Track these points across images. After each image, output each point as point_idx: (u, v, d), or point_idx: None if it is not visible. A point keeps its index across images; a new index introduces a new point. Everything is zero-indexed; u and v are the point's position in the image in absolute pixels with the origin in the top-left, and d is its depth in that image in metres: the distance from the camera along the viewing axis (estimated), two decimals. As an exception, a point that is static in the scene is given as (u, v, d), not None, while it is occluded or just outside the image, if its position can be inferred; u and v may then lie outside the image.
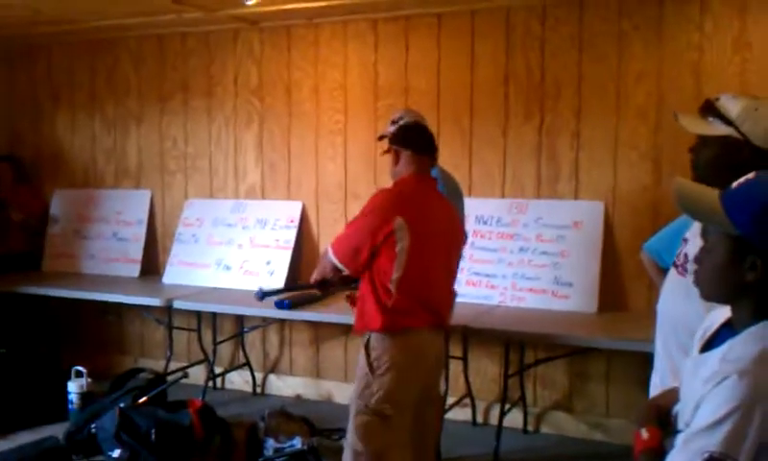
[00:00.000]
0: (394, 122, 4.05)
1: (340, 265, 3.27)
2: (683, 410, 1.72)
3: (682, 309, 2.41)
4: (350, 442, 3.21)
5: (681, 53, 4.57)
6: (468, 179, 5.12)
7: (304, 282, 3.95)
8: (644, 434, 1.76)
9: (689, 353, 1.94)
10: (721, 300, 1.75)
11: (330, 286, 3.53)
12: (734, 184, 1.67)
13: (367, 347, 3.19)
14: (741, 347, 1.62)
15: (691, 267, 2.37)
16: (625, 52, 4.70)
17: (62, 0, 4.93)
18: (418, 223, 3.17)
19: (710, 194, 1.68)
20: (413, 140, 3.41)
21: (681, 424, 1.71)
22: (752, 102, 2.41)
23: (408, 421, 3.26)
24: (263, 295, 3.87)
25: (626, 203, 4.72)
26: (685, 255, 2.49)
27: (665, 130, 4.56)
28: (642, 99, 4.67)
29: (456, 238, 3.51)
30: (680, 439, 1.64)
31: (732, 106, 2.41)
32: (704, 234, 1.83)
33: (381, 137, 4.01)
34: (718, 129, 2.41)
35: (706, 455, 1.54)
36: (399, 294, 3.14)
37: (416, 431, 3.32)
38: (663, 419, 1.82)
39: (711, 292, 1.75)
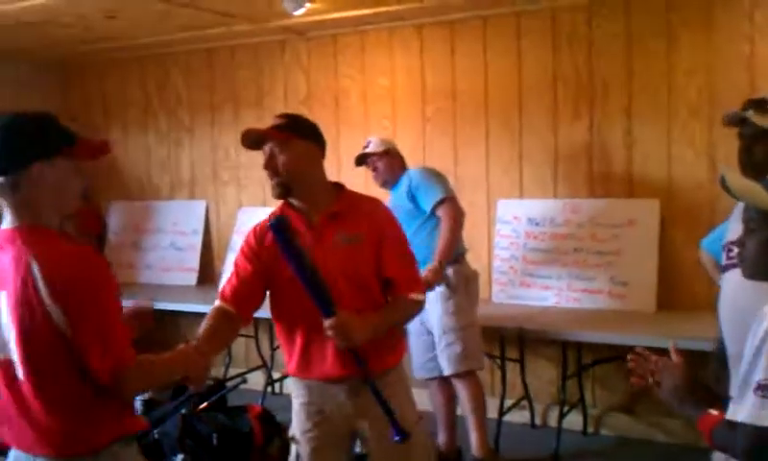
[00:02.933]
0: (365, 147, 4.55)
1: (424, 298, 2.84)
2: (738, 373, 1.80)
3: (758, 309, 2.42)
4: None
5: (731, 45, 4.51)
6: (519, 180, 5.12)
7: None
8: (713, 412, 1.84)
9: None
10: (764, 276, 1.86)
11: None
12: None
13: (401, 375, 2.81)
14: None
15: None
16: (674, 47, 4.66)
17: (113, 18, 5.05)
18: None
19: (755, 184, 1.81)
20: (322, 139, 2.84)
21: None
22: None
23: None
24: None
25: (681, 200, 4.68)
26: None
27: (719, 125, 4.42)
28: (694, 94, 4.62)
29: None
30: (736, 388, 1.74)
31: None
32: (746, 219, 1.88)
33: (360, 163, 4.58)
34: None
35: (754, 385, 1.67)
36: None
37: None
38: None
39: (756, 270, 1.86)
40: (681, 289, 4.65)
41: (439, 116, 5.36)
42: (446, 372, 4.23)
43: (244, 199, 6.18)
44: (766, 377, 1.66)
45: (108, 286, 2.06)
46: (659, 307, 4.60)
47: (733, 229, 2.64)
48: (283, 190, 2.68)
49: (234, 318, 2.73)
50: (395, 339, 2.79)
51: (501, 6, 5.00)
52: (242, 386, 5.17)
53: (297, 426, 2.82)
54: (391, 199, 4.46)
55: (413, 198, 4.29)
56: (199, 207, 6.35)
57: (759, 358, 1.69)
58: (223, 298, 2.74)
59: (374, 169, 4.50)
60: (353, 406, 2.69)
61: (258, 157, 6.37)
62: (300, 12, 4.78)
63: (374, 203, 2.82)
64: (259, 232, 2.77)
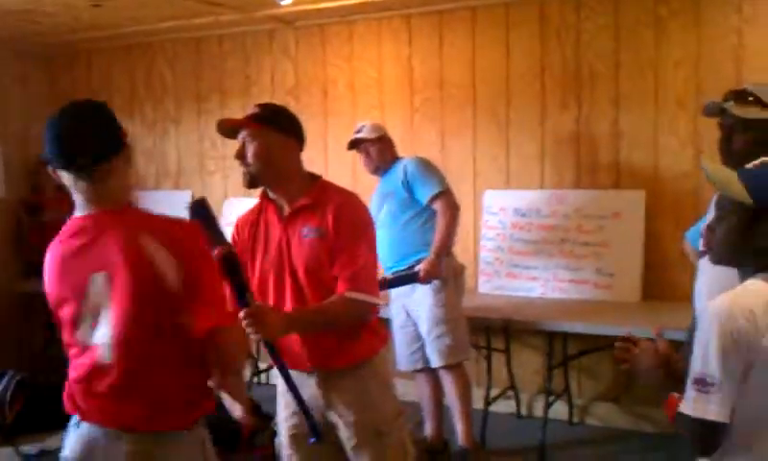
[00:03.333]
0: (357, 131, 4.48)
1: (374, 300, 2.66)
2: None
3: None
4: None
5: (720, 37, 4.52)
6: (506, 170, 5.12)
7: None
8: (677, 396, 1.88)
9: None
10: (731, 263, 1.92)
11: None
12: (751, 165, 1.91)
13: (376, 368, 2.72)
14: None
15: None
16: (662, 38, 4.66)
17: (99, 6, 5.01)
18: None
19: (731, 172, 1.87)
20: (298, 129, 2.78)
21: None
22: None
23: None
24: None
25: (668, 191, 4.69)
26: None
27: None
28: (681, 85, 4.63)
29: None
30: None
31: (762, 91, 2.60)
32: (719, 207, 1.93)
33: (352, 146, 4.51)
34: (760, 112, 2.58)
35: (692, 378, 1.77)
36: None
37: None
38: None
39: (723, 256, 1.92)
40: (666, 280, 4.66)
41: (426, 106, 5.35)
42: (435, 364, 4.23)
43: (230, 189, 6.15)
44: (701, 371, 1.75)
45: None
46: (644, 298, 4.62)
47: (711, 215, 2.69)
48: (251, 179, 2.67)
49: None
50: (362, 333, 2.67)
51: (490, -5, 5.01)
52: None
53: (278, 414, 2.82)
54: (380, 185, 4.45)
55: (409, 188, 4.26)
56: (184, 198, 6.30)
57: (698, 352, 1.77)
58: None
59: (366, 154, 4.46)
60: (324, 397, 2.65)
61: (244, 148, 6.34)
62: (288, 1, 4.78)
63: (345, 197, 2.69)
64: (239, 225, 2.82)
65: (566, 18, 4.91)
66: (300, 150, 2.73)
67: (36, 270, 6.53)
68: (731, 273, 2.26)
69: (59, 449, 4.38)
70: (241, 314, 2.39)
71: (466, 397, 4.28)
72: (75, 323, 2.14)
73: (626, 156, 4.80)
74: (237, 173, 6.02)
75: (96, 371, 2.12)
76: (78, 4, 4.97)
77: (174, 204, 6.19)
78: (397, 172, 4.33)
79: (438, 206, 4.19)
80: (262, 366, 5.91)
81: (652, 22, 4.68)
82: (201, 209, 2.48)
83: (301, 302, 2.60)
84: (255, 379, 5.80)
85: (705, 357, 1.75)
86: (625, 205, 4.75)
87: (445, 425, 4.45)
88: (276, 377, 5.85)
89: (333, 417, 2.67)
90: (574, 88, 4.92)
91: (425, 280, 4.12)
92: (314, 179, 2.74)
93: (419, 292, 4.20)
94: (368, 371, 2.69)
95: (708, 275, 2.69)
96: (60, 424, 5.19)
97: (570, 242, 4.85)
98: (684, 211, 4.48)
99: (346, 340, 2.64)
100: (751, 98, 2.65)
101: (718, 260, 1.96)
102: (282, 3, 4.80)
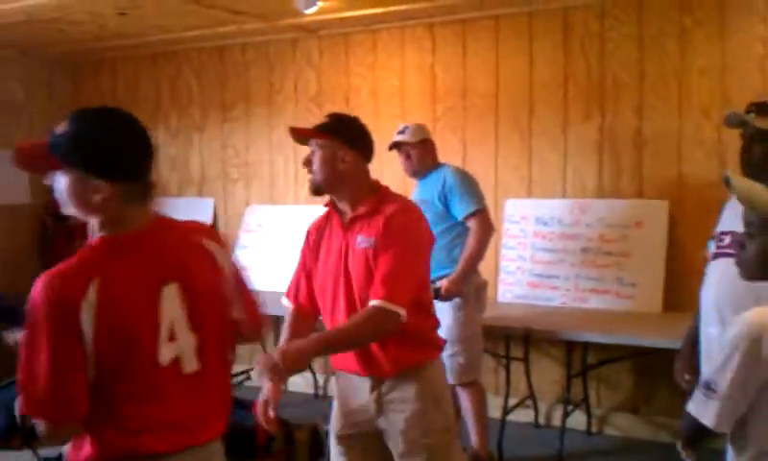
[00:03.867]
0: (400, 132, 4.37)
1: (400, 314, 2.52)
2: None
3: (750, 295, 2.43)
4: None
5: (745, 46, 4.49)
6: (529, 179, 5.11)
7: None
8: None
9: None
10: (765, 278, 1.95)
11: None
12: None
13: (428, 379, 2.68)
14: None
15: None
16: (687, 48, 4.64)
17: (125, 15, 5.07)
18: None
19: (761, 188, 1.91)
20: (357, 138, 2.76)
21: None
22: None
23: None
24: None
25: (692, 201, 4.64)
26: None
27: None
28: (706, 95, 4.60)
29: None
30: None
31: None
32: (746, 222, 1.96)
33: (392, 147, 4.35)
34: None
35: (702, 381, 1.85)
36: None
37: None
38: None
39: (755, 273, 1.96)
40: (688, 291, 4.56)
41: (449, 115, 5.35)
42: (449, 382, 4.17)
43: (252, 197, 6.19)
44: (711, 376, 1.82)
45: None
46: (665, 308, 4.57)
47: (728, 219, 2.72)
48: (315, 187, 2.70)
49: (308, 315, 2.84)
50: (412, 340, 2.62)
51: (513, 5, 5.00)
52: (246, 383, 5.18)
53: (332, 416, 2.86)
54: (417, 191, 4.35)
55: (445, 200, 4.16)
56: (207, 205, 6.36)
57: (718, 357, 1.82)
58: (291, 299, 2.89)
59: (407, 157, 4.33)
60: (376, 403, 2.65)
61: (266, 156, 6.42)
62: (312, 10, 4.79)
63: (399, 207, 2.65)
64: (309, 231, 2.85)
65: (590, 27, 4.89)
66: (367, 160, 2.74)
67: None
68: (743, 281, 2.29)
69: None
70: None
71: (480, 412, 4.24)
72: (152, 343, 1.90)
73: (649, 165, 4.77)
74: (259, 181, 6.16)
75: (176, 386, 1.95)
76: (104, 12, 5.03)
77: (197, 211, 6.31)
78: (436, 180, 4.23)
79: (472, 224, 4.11)
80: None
81: (676, 32, 4.66)
82: None
83: (353, 310, 2.59)
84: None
85: (722, 366, 1.80)
86: (648, 214, 4.71)
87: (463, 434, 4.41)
88: (293, 385, 5.84)
89: (383, 423, 2.66)
90: (598, 98, 4.90)
91: (446, 298, 4.03)
92: (377, 188, 2.73)
93: (440, 308, 4.05)
94: (419, 379, 2.64)
95: (723, 275, 2.71)
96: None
97: (592, 252, 4.82)
98: (708, 221, 4.35)
99: (393, 347, 2.59)
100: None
101: (750, 277, 1.98)
102: (306, 12, 4.82)
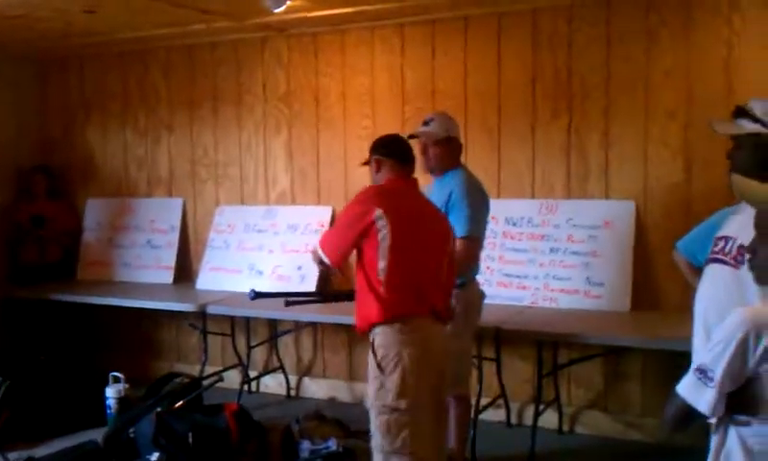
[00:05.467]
0: (425, 123, 4.13)
1: (324, 256, 3.35)
2: None
3: (737, 300, 2.51)
4: (378, 444, 3.24)
5: (709, 48, 4.55)
6: (497, 180, 5.14)
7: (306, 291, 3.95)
8: None
9: None
10: None
11: (330, 296, 3.70)
12: None
13: (373, 347, 3.23)
14: None
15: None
16: (653, 49, 4.69)
17: (92, 13, 5.01)
18: (398, 214, 3.22)
19: (754, 183, 1.98)
20: (395, 151, 3.47)
21: None
22: None
23: (429, 415, 3.28)
24: (255, 295, 3.79)
25: (657, 201, 4.71)
26: (740, 248, 2.61)
27: (696, 126, 4.54)
28: (671, 96, 4.65)
29: (443, 236, 3.46)
30: None
31: (757, 106, 2.66)
32: (758, 225, 1.99)
33: (412, 136, 4.02)
34: (746, 127, 2.64)
35: (695, 365, 1.89)
36: (389, 281, 3.18)
37: (434, 429, 3.36)
38: None
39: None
40: (655, 290, 4.69)
41: (418, 116, 5.27)
42: None
43: (222, 197, 6.16)
44: (707, 364, 1.85)
45: None
46: (633, 307, 4.63)
47: (733, 225, 2.70)
48: None
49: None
50: (362, 303, 3.30)
51: (483, 6, 5.02)
52: (218, 385, 5.17)
53: None
54: (432, 188, 4.10)
55: (447, 212, 3.89)
56: (176, 205, 6.31)
57: (713, 346, 1.86)
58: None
59: (423, 152, 4.06)
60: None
61: (235, 155, 6.38)
62: (281, 9, 4.77)
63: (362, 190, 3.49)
64: None
65: (558, 28, 4.93)
66: (402, 163, 3.45)
67: (26, 277, 6.54)
68: (744, 285, 2.37)
69: (47, 457, 4.38)
70: None
71: (464, 423, 4.21)
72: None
73: (616, 166, 4.82)
74: (229, 181, 6.14)
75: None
76: (71, 10, 4.96)
77: (166, 211, 6.27)
78: (447, 187, 3.99)
79: (459, 245, 3.78)
80: (252, 374, 5.91)
81: (643, 32, 4.71)
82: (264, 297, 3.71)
83: None
84: (245, 387, 5.79)
85: (718, 353, 1.84)
86: (615, 214, 4.77)
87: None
88: (265, 387, 5.83)
89: None
90: (565, 98, 4.94)
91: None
92: (389, 178, 3.46)
93: None
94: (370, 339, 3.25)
95: (720, 279, 2.72)
96: (49, 431, 5.17)
97: (561, 251, 4.86)
98: (674, 222, 4.50)
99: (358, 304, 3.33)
100: (744, 112, 2.71)
101: (765, 281, 2.01)
102: (275, 11, 4.80)
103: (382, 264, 3.18)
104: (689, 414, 1.89)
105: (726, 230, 2.75)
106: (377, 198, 3.29)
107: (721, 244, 2.73)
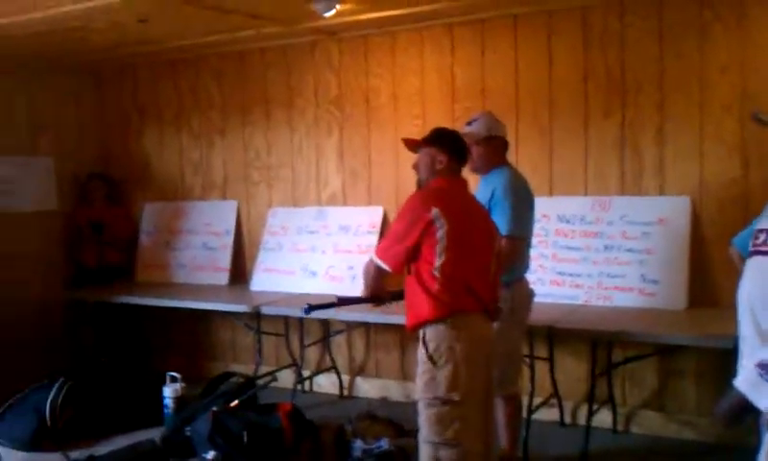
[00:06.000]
0: (468, 123, 4.14)
1: (383, 265, 3.35)
2: None
3: None
4: (426, 436, 3.28)
5: (764, 43, 4.46)
6: (549, 177, 5.11)
7: (358, 296, 3.77)
8: None
9: None
10: None
11: (383, 300, 3.60)
12: None
13: (424, 341, 3.26)
14: None
15: None
16: (707, 44, 4.61)
17: (145, 22, 5.12)
18: (454, 211, 3.27)
19: None
20: (453, 147, 3.45)
21: None
22: None
23: (478, 409, 3.32)
24: (309, 309, 3.86)
25: (714, 197, 4.63)
26: None
27: (752, 122, 4.44)
28: (727, 91, 4.57)
29: (490, 235, 3.50)
30: None
31: None
32: None
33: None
34: None
35: (758, 361, 1.88)
36: (444, 278, 3.22)
37: (483, 422, 3.38)
38: None
39: None
40: (712, 287, 4.60)
41: (468, 115, 5.29)
42: None
43: (274, 199, 6.24)
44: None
45: None
46: (689, 305, 4.56)
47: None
48: (418, 184, 3.51)
49: None
50: (416, 300, 3.30)
51: (532, 4, 4.99)
52: (272, 384, 5.22)
53: None
54: (479, 187, 4.08)
55: (490, 211, 3.86)
56: (230, 208, 6.42)
57: None
58: None
59: (468, 151, 3.97)
60: None
61: (287, 158, 6.45)
62: (331, 13, 4.81)
63: (413, 195, 3.43)
64: None
65: (609, 25, 4.88)
66: (459, 162, 3.46)
67: (86, 280, 6.72)
68: None
69: (106, 456, 4.49)
70: None
71: (514, 423, 4.20)
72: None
73: (671, 162, 4.76)
74: (281, 183, 6.21)
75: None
76: (125, 21, 5.08)
77: (221, 213, 6.37)
78: (491, 185, 3.97)
79: (502, 244, 3.75)
80: (306, 373, 5.96)
81: (696, 27, 4.63)
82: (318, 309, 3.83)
83: None
84: (299, 387, 5.85)
85: None
86: (670, 211, 4.70)
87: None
88: (318, 386, 5.88)
89: None
90: (618, 95, 4.89)
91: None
92: (439, 178, 3.42)
93: None
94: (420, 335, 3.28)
95: (753, 276, 2.70)
96: (108, 430, 5.29)
97: (615, 249, 4.81)
98: (730, 218, 4.42)
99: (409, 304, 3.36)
100: None
101: None
102: (325, 15, 4.84)
103: (438, 262, 3.22)
104: (745, 409, 1.85)
105: (764, 223, 2.70)
106: (433, 198, 3.31)
107: (762, 237, 2.69)
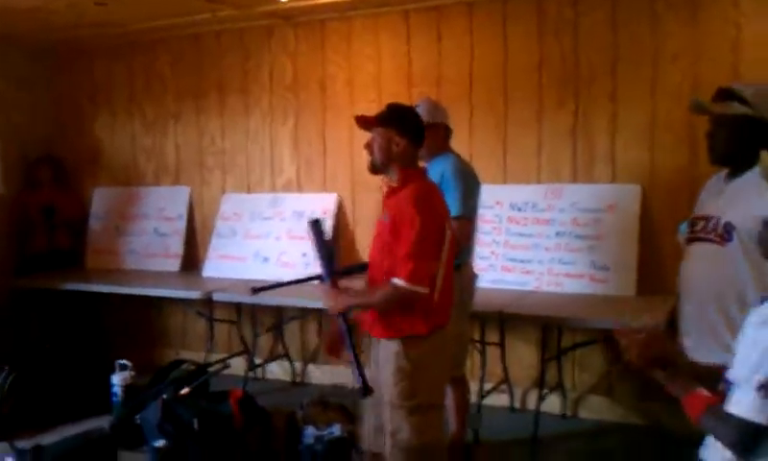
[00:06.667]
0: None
1: (421, 289, 3.00)
2: (740, 361, 1.87)
3: (727, 276, 2.66)
4: (408, 441, 3.13)
5: (717, 30, 4.51)
6: (504, 165, 5.12)
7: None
8: (705, 392, 1.90)
9: (730, 315, 2.45)
10: None
11: (335, 273, 3.40)
12: None
13: (404, 353, 3.09)
14: None
15: (736, 235, 2.66)
16: (659, 32, 4.66)
17: (103, 4, 5.04)
18: (446, 216, 3.25)
19: None
20: (413, 129, 3.16)
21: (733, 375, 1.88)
22: (761, 86, 2.79)
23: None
24: (256, 291, 3.74)
25: (663, 185, 4.68)
26: (726, 225, 2.70)
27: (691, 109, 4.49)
28: (678, 79, 4.62)
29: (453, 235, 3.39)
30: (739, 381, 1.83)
31: (745, 89, 2.74)
32: None
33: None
34: (738, 108, 2.71)
35: (756, 383, 1.75)
36: (442, 288, 3.12)
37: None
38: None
39: None
40: (661, 273, 4.64)
41: (424, 102, 5.35)
42: None
43: (228, 184, 6.17)
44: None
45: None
46: (639, 291, 4.60)
47: (706, 204, 2.79)
48: (373, 168, 3.22)
49: None
50: (398, 314, 3.08)
51: (488, -9, 5.01)
52: (224, 371, 5.17)
53: None
54: None
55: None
56: (183, 193, 6.33)
57: (766, 358, 1.77)
58: None
59: None
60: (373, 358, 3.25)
61: (241, 144, 6.39)
62: (287, -3, 4.78)
63: (411, 191, 3.07)
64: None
65: (564, 13, 4.91)
66: (417, 146, 3.19)
67: (35, 266, 6.57)
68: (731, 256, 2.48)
69: (54, 445, 4.40)
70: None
71: (462, 405, 4.23)
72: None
73: (622, 150, 4.80)
74: (236, 168, 6.14)
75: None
76: (83, 2, 5.00)
77: (174, 199, 6.29)
78: (437, 171, 3.96)
79: (453, 226, 3.75)
80: (258, 361, 5.92)
81: (649, 16, 4.67)
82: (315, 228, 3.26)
83: (370, 274, 3.18)
84: (251, 374, 5.80)
85: None
86: (620, 198, 4.74)
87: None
88: (270, 373, 5.87)
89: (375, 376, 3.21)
90: (572, 83, 4.92)
91: None
92: (415, 172, 3.19)
93: None
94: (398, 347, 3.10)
95: (702, 257, 2.79)
96: (55, 419, 5.19)
97: (566, 236, 4.84)
98: (679, 205, 4.46)
99: (383, 317, 3.14)
100: (732, 95, 2.76)
101: None
102: (281, -1, 4.81)
103: (441, 270, 3.09)
104: (758, 433, 1.77)
105: (706, 211, 2.84)
106: (438, 204, 3.18)
107: (702, 224, 2.82)
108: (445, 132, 4.20)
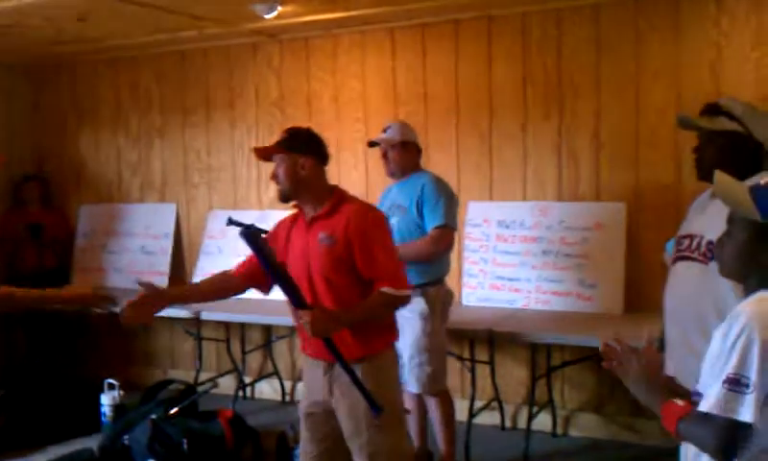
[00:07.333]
0: (384, 131, 4.32)
1: (406, 292, 3.00)
2: (707, 371, 1.89)
3: (709, 295, 2.61)
4: (389, 452, 3.04)
5: (698, 50, 4.58)
6: (489, 182, 5.15)
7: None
8: (679, 402, 1.90)
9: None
10: (738, 277, 1.98)
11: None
12: (763, 182, 1.87)
13: (374, 374, 2.97)
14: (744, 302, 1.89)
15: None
16: (642, 52, 4.71)
17: (84, 21, 5.01)
18: None
19: (741, 187, 1.88)
20: (319, 149, 3.07)
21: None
22: (747, 104, 2.74)
23: None
24: (230, 222, 3.38)
25: (648, 203, 4.73)
26: (709, 244, 2.66)
27: (678, 125, 4.54)
28: (661, 98, 4.67)
29: None
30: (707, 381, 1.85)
31: (734, 105, 2.71)
32: (729, 220, 1.98)
33: (373, 143, 4.37)
34: (727, 124, 2.68)
35: (723, 377, 1.76)
36: None
37: None
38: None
39: (732, 269, 1.97)
40: (648, 291, 4.68)
41: (410, 119, 5.30)
42: (415, 390, 4.15)
43: (215, 201, 6.16)
44: (736, 372, 1.76)
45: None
46: (626, 309, 4.65)
47: (691, 222, 2.80)
48: (283, 196, 3.05)
49: (231, 279, 3.32)
50: (377, 328, 3.01)
51: (472, 10, 5.03)
52: (213, 391, 5.18)
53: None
54: (393, 192, 4.27)
55: (420, 209, 4.11)
56: (169, 210, 6.31)
57: (733, 354, 1.77)
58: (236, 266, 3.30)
59: (384, 156, 4.27)
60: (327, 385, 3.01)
61: (228, 160, 6.39)
62: (272, 14, 4.79)
63: (357, 208, 3.02)
64: (277, 229, 3.21)
65: (548, 31, 4.95)
66: (323, 165, 3.08)
67: (23, 286, 6.51)
68: (712, 279, 2.40)
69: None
70: (300, 315, 2.82)
71: (448, 420, 4.25)
72: None
73: (607, 168, 4.84)
74: (222, 185, 6.14)
75: None
76: (63, 17, 4.96)
77: (159, 216, 6.26)
78: (415, 186, 4.15)
79: (433, 233, 4.07)
80: (247, 380, 5.91)
81: (632, 35, 4.73)
82: (250, 238, 2.90)
83: (314, 295, 2.96)
84: (240, 393, 5.79)
85: (743, 359, 1.75)
86: (606, 216, 4.79)
87: (429, 438, 4.45)
88: (259, 392, 5.86)
89: (334, 404, 3.01)
90: (556, 101, 4.96)
91: None
92: (332, 190, 3.08)
93: (405, 318, 3.84)
94: (380, 361, 3.02)
95: (684, 277, 2.80)
96: (43, 440, 5.17)
97: (553, 254, 4.88)
98: (665, 223, 4.50)
99: (364, 333, 2.96)
100: (720, 110, 2.73)
101: (728, 274, 2.01)
102: (266, 16, 4.81)
103: None
104: (735, 433, 1.76)
105: (691, 229, 2.81)
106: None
107: (686, 242, 2.79)
108: (417, 151, 4.37)
